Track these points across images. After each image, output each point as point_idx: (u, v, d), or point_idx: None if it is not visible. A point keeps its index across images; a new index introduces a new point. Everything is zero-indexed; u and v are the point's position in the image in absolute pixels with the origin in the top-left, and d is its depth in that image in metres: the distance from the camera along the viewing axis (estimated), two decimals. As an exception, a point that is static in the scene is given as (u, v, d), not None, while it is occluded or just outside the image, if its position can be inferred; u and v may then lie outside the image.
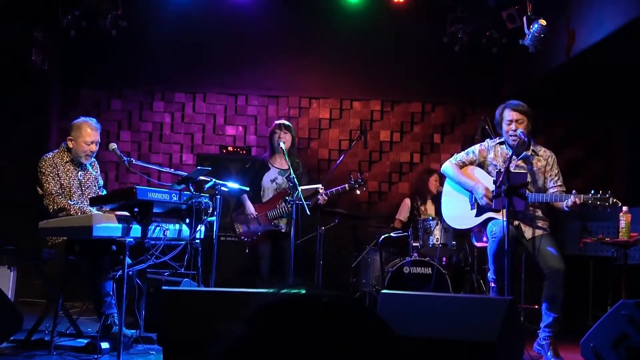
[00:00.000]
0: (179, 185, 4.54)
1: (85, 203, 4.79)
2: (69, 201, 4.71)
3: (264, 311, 0.83)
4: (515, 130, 4.68)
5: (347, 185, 5.80)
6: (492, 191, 4.56)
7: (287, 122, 5.94)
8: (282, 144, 5.71)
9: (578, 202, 4.41)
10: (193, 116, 8.01)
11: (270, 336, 0.80)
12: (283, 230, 5.77)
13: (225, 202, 5.85)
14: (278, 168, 5.92)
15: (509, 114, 4.74)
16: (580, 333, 4.17)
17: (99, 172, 5.14)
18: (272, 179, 5.89)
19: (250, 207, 5.75)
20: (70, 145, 4.88)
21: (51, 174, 4.75)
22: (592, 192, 4.46)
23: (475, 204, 4.86)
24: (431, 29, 7.55)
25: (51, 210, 4.66)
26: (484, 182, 4.81)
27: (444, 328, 3.90)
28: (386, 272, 6.09)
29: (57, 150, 4.93)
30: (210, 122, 8.01)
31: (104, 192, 5.12)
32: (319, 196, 5.68)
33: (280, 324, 0.81)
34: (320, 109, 8.09)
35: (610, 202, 4.41)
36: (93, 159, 5.09)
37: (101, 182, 5.14)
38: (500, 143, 4.87)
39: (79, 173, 4.90)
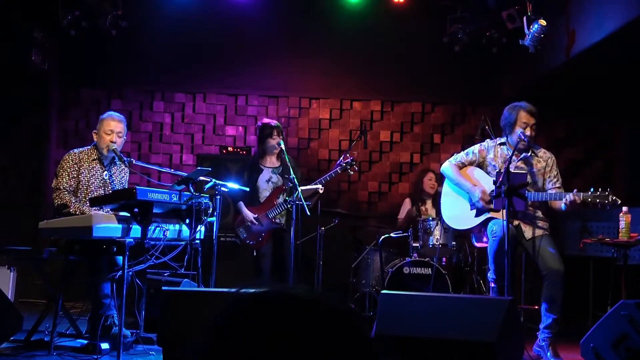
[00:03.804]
0: (179, 186, 4.54)
1: None
2: (71, 198, 4.70)
3: (236, 306, 0.85)
4: (530, 135, 4.68)
5: (338, 168, 5.79)
6: (492, 192, 4.56)
7: (278, 123, 5.92)
8: (282, 144, 5.71)
9: (577, 200, 4.40)
10: (193, 116, 8.01)
11: (243, 329, 0.82)
12: (284, 227, 5.76)
13: (225, 202, 5.86)
14: (270, 167, 5.91)
15: (525, 117, 4.71)
16: (580, 333, 4.17)
17: (126, 178, 5.08)
18: (267, 179, 5.88)
19: (247, 214, 5.74)
20: (95, 139, 4.90)
21: (68, 170, 4.75)
22: (592, 189, 4.45)
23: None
24: (431, 29, 7.55)
25: (55, 204, 4.70)
26: (483, 183, 4.81)
27: (444, 328, 3.90)
28: (386, 272, 6.08)
29: (88, 147, 4.92)
30: (210, 123, 8.01)
31: None
32: (318, 187, 5.68)
33: (252, 317, 0.83)
34: (320, 109, 8.09)
35: (610, 199, 4.40)
36: (125, 166, 5.00)
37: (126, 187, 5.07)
38: (501, 144, 4.86)
39: (104, 173, 4.89)
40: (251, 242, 5.76)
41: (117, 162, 4.98)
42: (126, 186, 5.07)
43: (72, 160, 4.78)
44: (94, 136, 4.92)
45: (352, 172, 5.88)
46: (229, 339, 0.82)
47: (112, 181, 4.93)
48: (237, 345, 0.81)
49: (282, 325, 0.81)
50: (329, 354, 0.81)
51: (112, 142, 4.84)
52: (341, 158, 5.88)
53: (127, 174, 5.11)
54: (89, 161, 4.83)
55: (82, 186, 4.78)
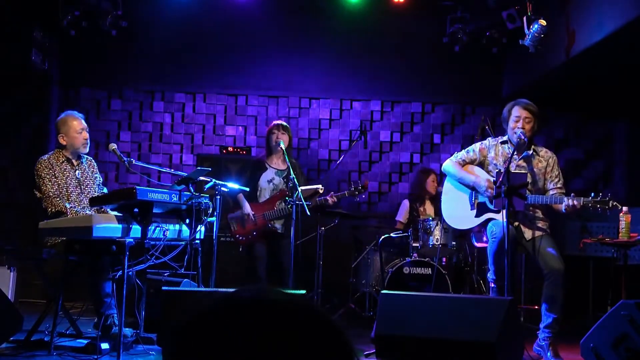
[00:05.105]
0: (179, 186, 4.54)
1: (85, 202, 4.79)
2: (67, 204, 4.69)
3: (205, 307, 0.87)
4: (521, 128, 4.67)
5: (346, 192, 5.88)
6: (494, 184, 4.54)
7: (284, 123, 5.96)
8: (282, 144, 5.72)
9: (578, 205, 4.40)
10: (193, 116, 8.01)
11: (210, 330, 0.84)
12: (280, 232, 5.79)
13: (225, 202, 5.86)
14: (275, 168, 5.92)
15: (517, 111, 4.73)
16: (580, 333, 4.17)
17: (96, 170, 5.14)
18: (269, 180, 5.89)
19: (247, 207, 5.75)
20: (64, 142, 4.88)
21: (47, 176, 4.74)
22: (592, 195, 4.45)
23: (475, 203, 4.85)
24: (431, 29, 7.55)
25: (49, 213, 4.65)
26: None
27: (444, 328, 3.90)
28: (386, 272, 6.09)
29: (52, 152, 4.92)
30: (210, 122, 8.02)
31: (104, 190, 5.13)
32: (328, 197, 5.73)
33: (221, 318, 0.84)
34: (320, 109, 8.09)
35: (610, 205, 4.40)
36: (89, 158, 5.09)
37: (100, 179, 5.13)
38: (503, 142, 4.86)
39: (77, 172, 4.90)
40: (241, 238, 5.77)
41: (83, 158, 4.99)
42: (99, 177, 5.11)
43: (46, 167, 4.77)
44: (62, 140, 4.87)
45: (357, 200, 5.98)
46: (196, 338, 0.83)
47: (86, 177, 4.95)
48: (204, 345, 0.82)
49: (248, 327, 0.82)
50: (300, 354, 0.81)
51: (85, 139, 4.89)
52: (352, 182, 5.99)
53: (96, 166, 5.14)
54: (59, 164, 4.83)
55: (62, 189, 4.77)
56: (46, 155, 4.89)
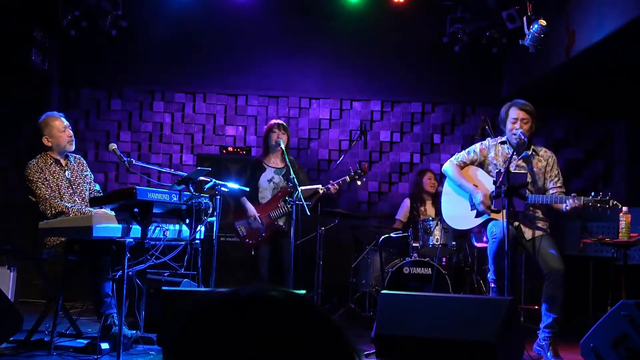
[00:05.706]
0: (179, 186, 4.53)
1: (79, 201, 4.78)
2: (65, 204, 4.68)
3: (205, 306, 0.87)
4: (519, 129, 4.68)
5: (347, 177, 5.86)
6: (492, 193, 4.55)
7: (284, 123, 5.96)
8: (282, 144, 5.72)
9: (578, 205, 4.40)
10: (193, 116, 8.01)
11: (211, 329, 0.84)
12: (284, 229, 5.78)
13: (225, 202, 5.86)
14: (273, 167, 5.92)
15: (514, 112, 4.73)
16: (580, 333, 4.17)
17: (86, 167, 5.09)
18: (269, 179, 5.89)
19: (251, 209, 5.75)
20: (49, 143, 4.83)
21: (40, 179, 4.70)
22: (592, 194, 4.45)
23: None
24: (431, 29, 7.55)
25: (49, 214, 4.60)
26: (485, 184, 4.80)
27: (444, 328, 3.90)
28: (386, 272, 6.09)
29: (39, 156, 4.85)
30: (210, 122, 8.02)
31: (97, 187, 5.11)
32: (329, 185, 5.74)
33: (221, 317, 0.85)
34: (320, 109, 8.09)
35: (611, 204, 4.41)
36: (77, 156, 5.07)
37: (91, 176, 5.09)
38: (502, 142, 4.86)
39: (66, 172, 4.87)
40: (250, 241, 5.77)
41: (71, 158, 4.97)
42: (90, 175, 5.08)
43: (37, 171, 4.74)
44: (46, 142, 4.83)
45: (359, 183, 5.97)
46: (196, 337, 0.83)
47: (77, 177, 4.92)
48: (203, 344, 0.82)
49: (248, 326, 0.82)
50: (298, 353, 0.82)
51: (69, 136, 4.86)
52: (350, 167, 5.97)
53: (85, 163, 5.12)
54: (48, 167, 4.79)
55: (54, 191, 4.75)
56: (34, 159, 4.82)
